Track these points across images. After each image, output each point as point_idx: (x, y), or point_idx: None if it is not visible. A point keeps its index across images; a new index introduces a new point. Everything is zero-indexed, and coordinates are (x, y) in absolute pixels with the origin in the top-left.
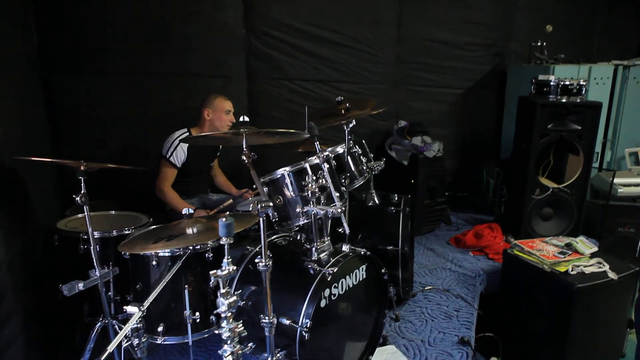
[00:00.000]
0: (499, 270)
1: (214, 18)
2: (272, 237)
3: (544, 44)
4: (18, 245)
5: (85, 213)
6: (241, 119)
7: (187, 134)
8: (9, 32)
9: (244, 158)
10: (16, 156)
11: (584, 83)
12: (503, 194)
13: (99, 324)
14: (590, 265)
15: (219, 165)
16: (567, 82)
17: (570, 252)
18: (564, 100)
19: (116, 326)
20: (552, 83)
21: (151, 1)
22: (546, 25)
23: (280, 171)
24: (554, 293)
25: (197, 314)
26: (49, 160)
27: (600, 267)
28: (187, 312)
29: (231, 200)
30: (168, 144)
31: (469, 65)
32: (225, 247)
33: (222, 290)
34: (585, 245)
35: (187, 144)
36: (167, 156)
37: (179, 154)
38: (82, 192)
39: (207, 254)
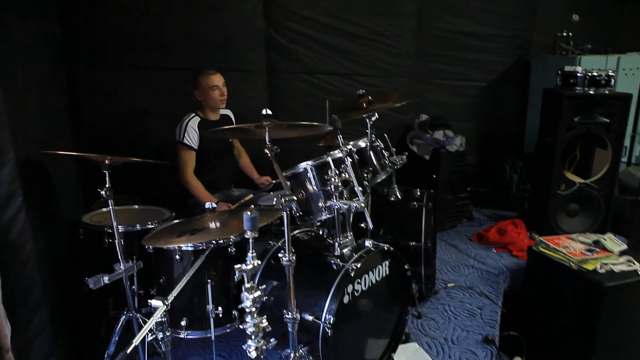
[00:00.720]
0: (523, 267)
1: (234, 11)
2: (294, 232)
3: (570, 34)
4: (45, 239)
5: (110, 207)
6: (264, 112)
7: (194, 115)
8: (34, 25)
9: (267, 151)
10: (42, 150)
11: (613, 74)
12: (527, 189)
13: (123, 317)
14: (619, 264)
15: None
16: (595, 73)
17: (598, 250)
18: (591, 92)
19: (140, 320)
20: (578, 74)
21: None
22: (572, 15)
23: (302, 165)
24: (582, 292)
25: (220, 308)
26: (75, 154)
27: (630, 266)
28: (210, 306)
29: (252, 195)
30: (179, 129)
31: (491, 57)
32: (250, 241)
33: (247, 285)
34: (613, 242)
35: (197, 124)
36: (181, 139)
37: (192, 134)
38: (107, 186)
39: (229, 249)
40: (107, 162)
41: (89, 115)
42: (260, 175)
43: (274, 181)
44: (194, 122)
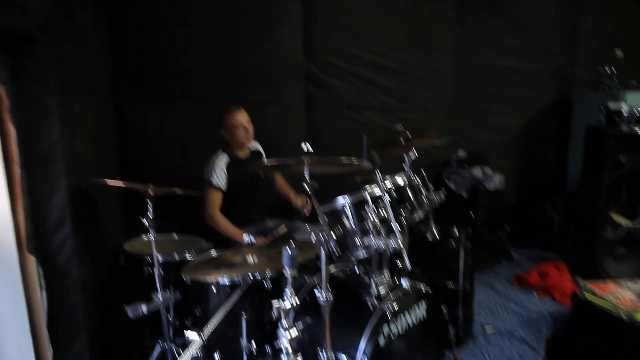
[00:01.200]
0: (567, 314)
1: (275, 45)
2: (330, 268)
3: (614, 69)
4: (89, 265)
5: (151, 236)
6: (304, 147)
7: (223, 154)
8: (90, 57)
9: (306, 187)
10: (90, 178)
11: None
12: (569, 230)
13: (158, 347)
14: None
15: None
16: None
17: None
18: (638, 130)
19: (175, 351)
20: (624, 111)
21: (218, 30)
22: (615, 50)
23: (340, 201)
24: (634, 345)
25: (253, 342)
26: (121, 184)
27: None
28: (244, 340)
29: (284, 228)
30: (208, 167)
31: (531, 93)
32: (288, 279)
33: (284, 324)
34: None
35: (225, 164)
36: (209, 179)
37: (220, 174)
38: (150, 215)
39: (266, 283)
40: (150, 192)
41: (134, 144)
42: (296, 195)
43: (308, 202)
44: (222, 162)
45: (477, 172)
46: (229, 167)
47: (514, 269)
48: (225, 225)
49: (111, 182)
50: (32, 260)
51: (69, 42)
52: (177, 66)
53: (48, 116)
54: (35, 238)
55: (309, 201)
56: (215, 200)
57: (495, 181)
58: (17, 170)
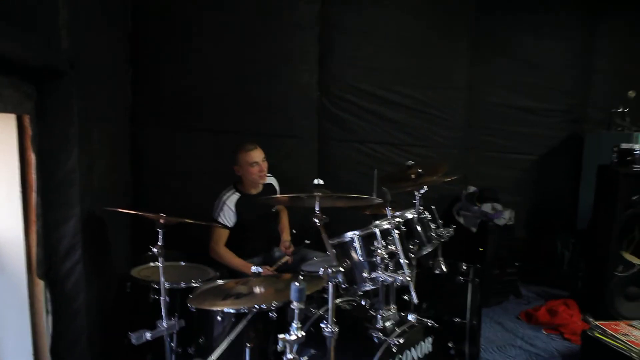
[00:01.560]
0: (577, 353)
1: (290, 80)
2: (336, 300)
3: (626, 110)
4: (96, 290)
5: (160, 264)
6: (316, 181)
7: (233, 191)
8: (112, 91)
9: (316, 220)
10: (104, 205)
11: None
12: (580, 268)
13: None
14: None
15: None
16: None
17: None
18: None
19: None
20: (636, 152)
21: (236, 64)
22: (628, 91)
23: (349, 234)
24: None
25: None
26: (133, 212)
27: None
28: None
29: (288, 258)
30: (216, 205)
31: (543, 131)
32: (296, 312)
33: (290, 357)
34: None
35: (234, 203)
36: (216, 217)
37: (228, 213)
38: (160, 244)
39: (271, 313)
40: (161, 221)
41: (147, 173)
42: (286, 239)
43: (289, 253)
44: (231, 201)
45: (487, 207)
46: (238, 205)
47: (522, 306)
48: (229, 258)
49: (124, 211)
50: (40, 284)
51: (92, 76)
52: (196, 97)
53: (68, 145)
54: (45, 263)
55: (291, 251)
56: (221, 236)
57: (505, 217)
58: (33, 197)
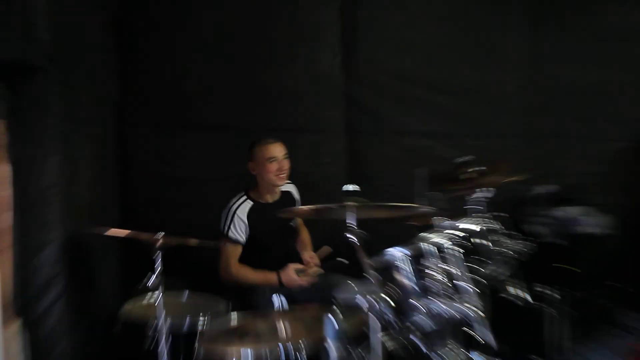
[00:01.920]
0: None
1: (307, 62)
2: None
3: None
4: (80, 334)
5: (158, 298)
6: (349, 187)
7: (245, 199)
8: (96, 88)
9: (351, 237)
10: (88, 225)
11: None
12: None
13: None
14: None
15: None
16: None
17: None
18: None
19: None
20: None
21: (239, 47)
22: None
23: (394, 253)
24: None
25: None
26: (124, 233)
27: None
28: None
29: (328, 249)
30: (225, 216)
31: (636, 110)
32: (332, 354)
33: None
34: None
35: (246, 213)
36: (226, 232)
37: (239, 225)
38: (158, 272)
39: (300, 357)
40: (159, 243)
41: (139, 181)
42: (310, 253)
43: (315, 263)
44: (243, 211)
45: (571, 212)
46: (251, 215)
47: (627, 341)
48: (245, 274)
49: (113, 232)
50: (16, 324)
51: (74, 71)
52: (195, 90)
53: (46, 154)
54: (21, 298)
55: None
56: (233, 254)
57: (598, 224)
58: (7, 218)
